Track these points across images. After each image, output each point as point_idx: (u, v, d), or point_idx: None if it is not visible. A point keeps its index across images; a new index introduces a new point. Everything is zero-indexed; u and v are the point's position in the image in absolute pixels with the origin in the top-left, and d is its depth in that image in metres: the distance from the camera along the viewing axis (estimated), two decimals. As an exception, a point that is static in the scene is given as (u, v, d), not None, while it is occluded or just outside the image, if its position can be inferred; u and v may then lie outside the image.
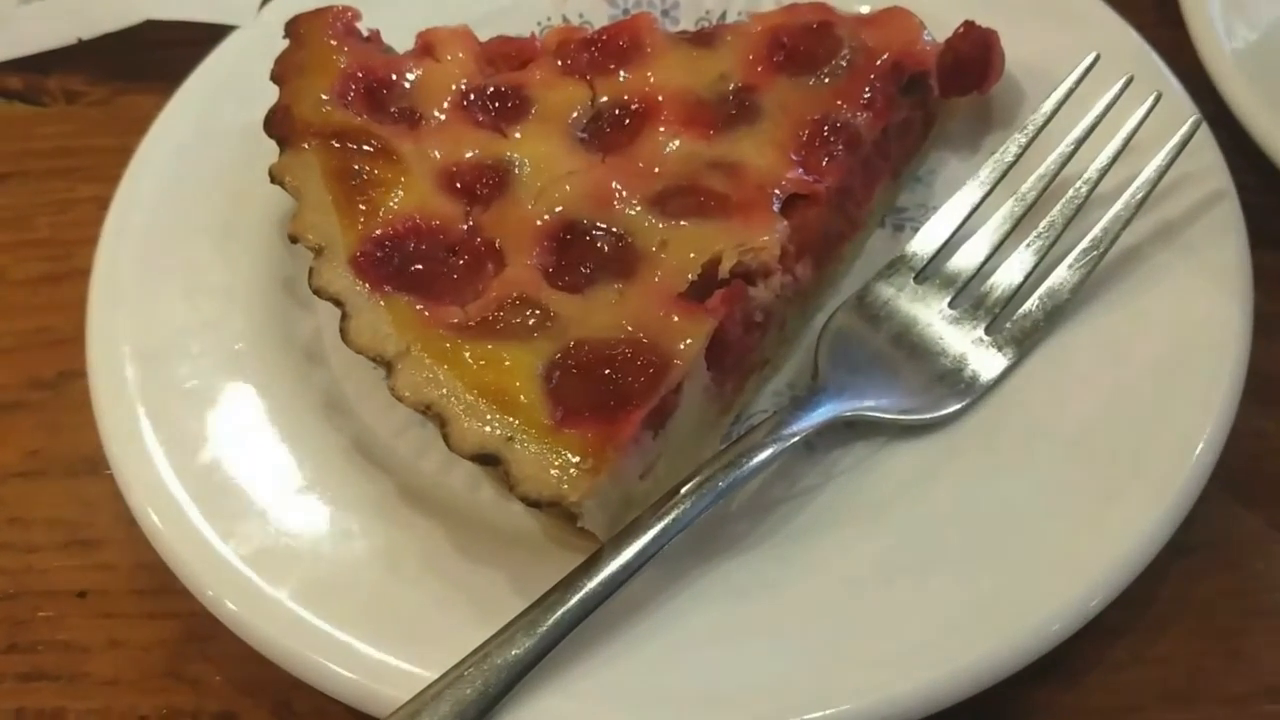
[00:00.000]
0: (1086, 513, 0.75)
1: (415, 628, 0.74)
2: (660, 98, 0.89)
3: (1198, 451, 0.75)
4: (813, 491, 0.80)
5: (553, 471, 0.70)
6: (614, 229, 0.81)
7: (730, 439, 0.82)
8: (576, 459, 0.70)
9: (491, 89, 0.90)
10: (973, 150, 0.96)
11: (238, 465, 0.81)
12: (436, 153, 0.86)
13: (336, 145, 0.85)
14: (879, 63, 0.89)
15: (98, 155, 1.08)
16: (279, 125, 0.87)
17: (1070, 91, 0.88)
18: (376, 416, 0.85)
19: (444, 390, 0.73)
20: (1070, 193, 0.85)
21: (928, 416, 0.80)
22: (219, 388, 0.86)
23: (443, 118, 0.88)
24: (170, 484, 0.80)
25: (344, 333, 0.77)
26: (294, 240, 0.82)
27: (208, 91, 1.01)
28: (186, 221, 0.94)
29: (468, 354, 0.75)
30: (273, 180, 0.85)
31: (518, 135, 0.88)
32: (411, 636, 0.73)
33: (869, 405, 0.81)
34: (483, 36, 0.96)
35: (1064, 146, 0.86)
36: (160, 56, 1.11)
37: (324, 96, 0.88)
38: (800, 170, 0.85)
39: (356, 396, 0.87)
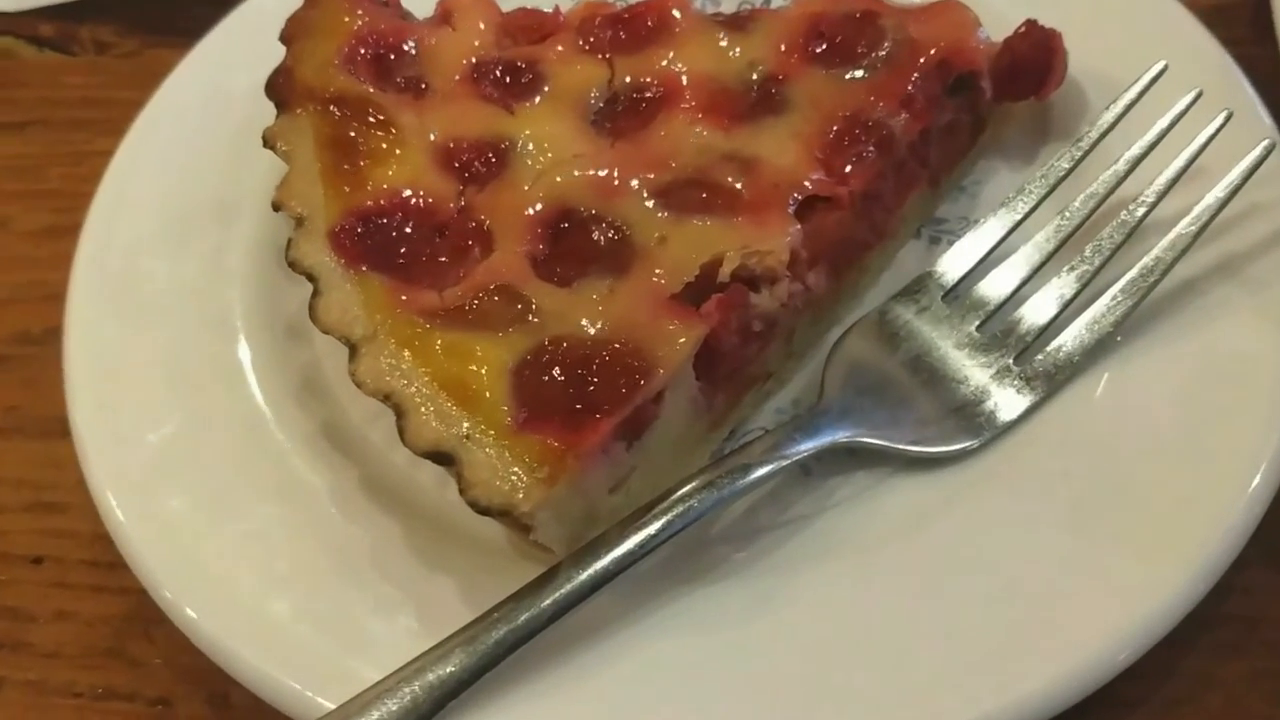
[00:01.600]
0: (1106, 571, 0.67)
1: (357, 632, 0.69)
2: (682, 82, 0.82)
3: (1238, 511, 0.67)
4: (804, 520, 0.73)
5: (506, 477, 0.64)
6: (613, 220, 0.76)
7: (721, 455, 0.76)
8: (532, 466, 0.64)
9: (504, 62, 0.85)
10: (1027, 161, 0.88)
11: (199, 446, 0.78)
12: (437, 126, 0.81)
13: (333, 112, 0.80)
14: (923, 59, 0.81)
15: (119, 108, 1.04)
16: (279, 88, 0.83)
17: (1132, 103, 0.79)
18: (353, 400, 0.80)
19: (406, 380, 0.68)
20: (1123, 215, 0.76)
21: (937, 450, 0.73)
22: (194, 360, 0.82)
23: (449, 90, 0.83)
24: (127, 460, 0.77)
25: (312, 310, 0.73)
26: (276, 208, 0.78)
27: (223, 51, 0.98)
28: (186, 183, 0.91)
29: (437, 342, 0.70)
30: (265, 144, 0.81)
31: (529, 112, 0.82)
32: (352, 642, 0.69)
33: (874, 432, 0.73)
34: (509, 6, 0.91)
35: (1120, 164, 0.78)
36: (194, 11, 1.07)
37: (329, 60, 0.83)
38: (823, 171, 0.78)
39: (336, 377, 0.82)
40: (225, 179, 0.91)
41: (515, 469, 0.64)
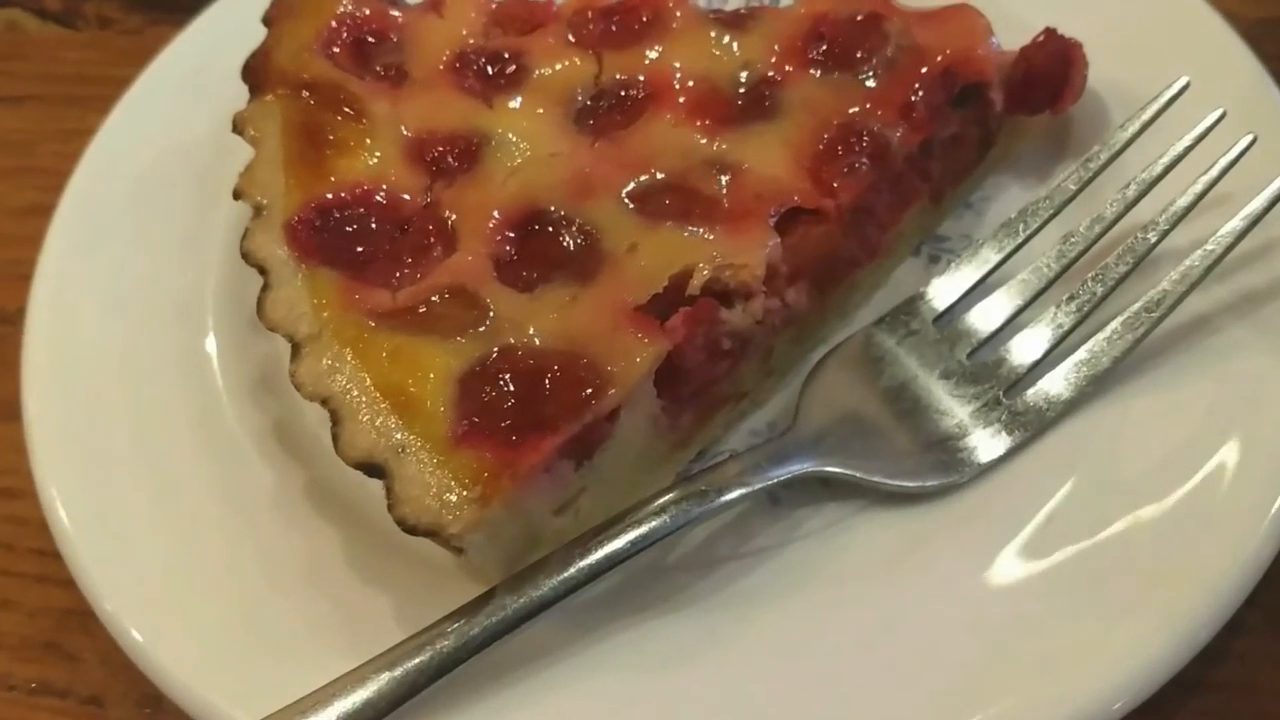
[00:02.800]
0: (1084, 626, 0.62)
1: (285, 648, 0.66)
2: (671, 82, 0.78)
3: (1231, 574, 0.62)
4: (768, 552, 0.69)
5: (437, 495, 0.60)
6: (583, 224, 0.72)
7: (687, 476, 0.71)
8: (466, 484, 0.61)
9: (488, 54, 0.81)
10: (1039, 179, 0.83)
11: (150, 440, 0.75)
12: (411, 117, 0.78)
13: (304, 98, 0.77)
14: (927, 68, 0.76)
15: (116, 86, 1.02)
16: (254, 70, 0.80)
17: (1148, 122, 0.74)
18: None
19: (346, 384, 0.65)
20: (1130, 242, 0.71)
21: (914, 485, 0.68)
22: (156, 349, 0.80)
23: (429, 79, 0.80)
24: (75, 453, 0.74)
25: (260, 305, 0.69)
26: (237, 196, 0.75)
27: (214, 32, 0.96)
28: (165, 166, 0.89)
29: (384, 346, 0.66)
30: (234, 129, 0.78)
31: (509, 106, 0.79)
32: (280, 658, 0.65)
33: (849, 462, 0.69)
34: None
35: (1131, 188, 0.72)
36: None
37: (308, 44, 0.80)
38: (810, 181, 0.73)
39: (296, 374, 0.79)
40: (206, 163, 0.88)
41: (448, 486, 0.61)
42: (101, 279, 0.83)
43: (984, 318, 0.73)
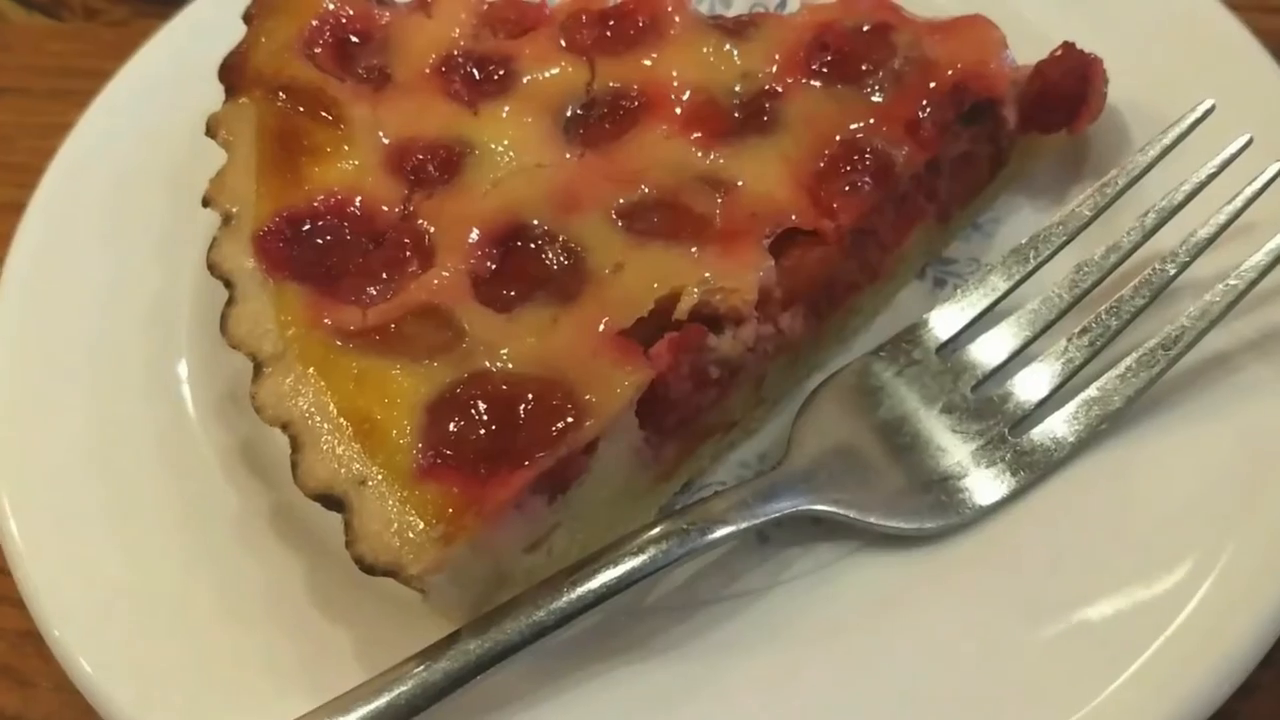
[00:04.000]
0: (1084, 686, 0.58)
1: (238, 685, 0.63)
2: (665, 91, 0.74)
3: (1244, 634, 0.58)
4: (754, 596, 0.65)
5: (398, 532, 0.57)
6: (567, 240, 0.68)
7: (671, 511, 0.67)
8: (429, 521, 0.57)
9: (477, 57, 0.77)
10: (1055, 200, 0.79)
11: (111, 456, 0.72)
12: (392, 123, 0.74)
13: (281, 100, 0.74)
14: (935, 82, 0.72)
15: (100, 80, 0.99)
16: (230, 71, 0.76)
17: (1169, 147, 0.70)
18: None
19: (308, 408, 0.61)
20: (1147, 272, 0.67)
21: (910, 527, 0.64)
22: (118, 359, 0.77)
23: (413, 83, 0.76)
24: (33, 467, 0.71)
25: (223, 320, 0.66)
26: (206, 204, 0.71)
27: (198, 27, 0.92)
28: (142, 166, 0.86)
29: (352, 368, 0.62)
30: (207, 132, 0.75)
31: (496, 114, 0.75)
32: (232, 695, 0.62)
33: (841, 500, 0.65)
34: (498, -5, 0.84)
35: (1150, 216, 0.68)
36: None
37: (288, 43, 0.77)
38: (809, 201, 0.69)
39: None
40: (183, 164, 0.84)
41: (409, 523, 0.57)
42: (70, 283, 0.80)
43: (990, 349, 0.69)
